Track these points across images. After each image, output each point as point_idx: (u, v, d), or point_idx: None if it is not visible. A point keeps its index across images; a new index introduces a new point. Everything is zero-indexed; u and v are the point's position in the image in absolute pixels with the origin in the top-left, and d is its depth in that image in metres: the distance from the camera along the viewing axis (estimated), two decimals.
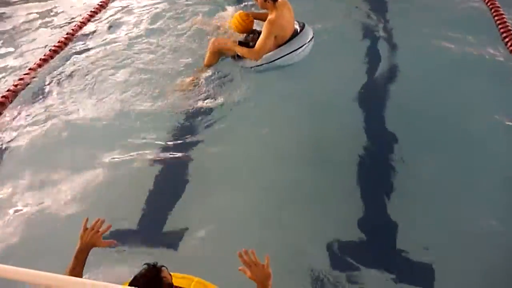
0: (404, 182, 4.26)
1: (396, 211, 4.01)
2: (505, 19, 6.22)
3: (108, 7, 7.78)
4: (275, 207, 4.09)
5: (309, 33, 5.69)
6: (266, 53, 5.49)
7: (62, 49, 6.63)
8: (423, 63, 5.73)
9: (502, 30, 6.06)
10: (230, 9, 6.98)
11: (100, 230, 2.58)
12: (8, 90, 5.74)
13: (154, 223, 4.11)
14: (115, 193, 4.37)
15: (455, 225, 3.82)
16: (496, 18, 6.35)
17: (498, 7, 6.51)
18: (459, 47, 5.90)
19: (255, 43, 5.53)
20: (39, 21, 7.66)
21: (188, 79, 5.67)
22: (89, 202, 4.26)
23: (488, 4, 6.67)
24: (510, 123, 4.76)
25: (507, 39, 5.86)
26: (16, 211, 4.26)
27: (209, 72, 5.71)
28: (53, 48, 6.59)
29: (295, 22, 5.69)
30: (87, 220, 2.59)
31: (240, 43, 5.67)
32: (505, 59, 5.65)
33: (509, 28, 6.05)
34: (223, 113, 5.17)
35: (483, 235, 3.73)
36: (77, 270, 2.51)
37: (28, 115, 5.40)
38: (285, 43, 5.52)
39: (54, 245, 3.74)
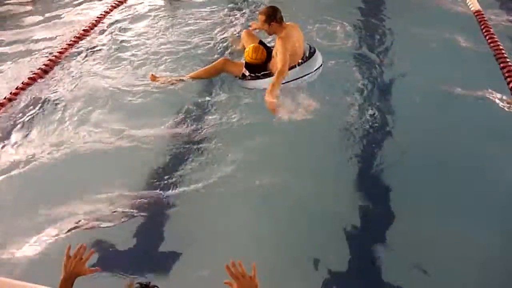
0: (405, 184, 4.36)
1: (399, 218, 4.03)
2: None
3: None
4: (271, 217, 4.09)
5: (319, 59, 5.64)
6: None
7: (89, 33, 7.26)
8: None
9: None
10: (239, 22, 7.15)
11: (84, 257, 2.53)
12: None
13: (143, 241, 4.03)
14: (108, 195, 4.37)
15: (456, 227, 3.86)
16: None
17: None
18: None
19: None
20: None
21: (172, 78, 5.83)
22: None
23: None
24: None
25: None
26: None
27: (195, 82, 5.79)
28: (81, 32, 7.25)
29: (306, 45, 5.65)
30: (69, 247, 2.55)
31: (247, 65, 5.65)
32: None
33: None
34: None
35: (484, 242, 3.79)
36: None
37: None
38: (293, 67, 5.43)
39: None
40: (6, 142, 5.20)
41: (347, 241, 3.89)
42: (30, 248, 3.96)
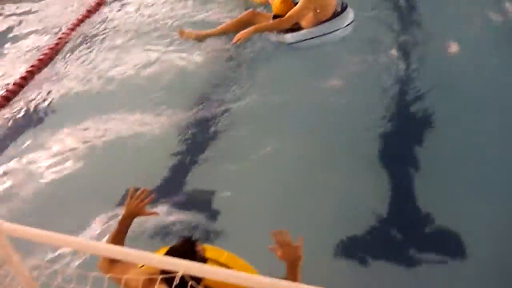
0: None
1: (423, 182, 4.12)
2: None
3: None
4: (305, 182, 4.23)
5: (350, 14, 5.54)
6: (308, 26, 5.28)
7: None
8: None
9: None
10: None
11: (145, 200, 2.70)
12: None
13: (188, 195, 4.30)
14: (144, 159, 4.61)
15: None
16: None
17: None
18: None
19: None
20: None
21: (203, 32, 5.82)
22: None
23: None
24: None
25: None
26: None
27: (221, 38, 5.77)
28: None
29: (339, 1, 5.55)
30: (133, 189, 2.71)
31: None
32: None
33: None
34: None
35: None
36: (120, 236, 2.67)
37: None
38: (326, 21, 5.36)
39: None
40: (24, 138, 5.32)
41: (365, 205, 4.01)
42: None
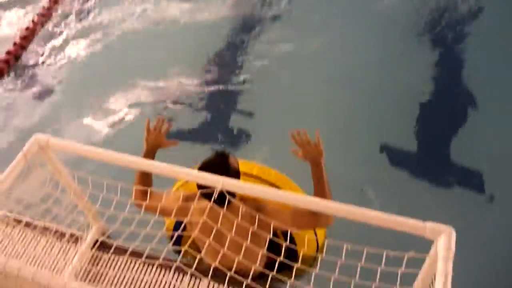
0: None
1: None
2: None
3: None
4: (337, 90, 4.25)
5: None
6: None
7: None
8: None
9: None
10: None
11: (163, 130, 2.54)
12: None
13: (219, 110, 4.33)
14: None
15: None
16: None
17: None
18: None
19: None
20: None
21: None
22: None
23: None
24: None
25: None
26: None
27: None
28: None
29: None
30: (149, 121, 2.55)
31: None
32: None
33: None
34: None
35: None
36: (145, 172, 2.53)
37: None
38: None
39: None
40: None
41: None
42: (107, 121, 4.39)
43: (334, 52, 4.64)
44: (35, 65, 5.23)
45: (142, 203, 2.27)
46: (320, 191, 2.34)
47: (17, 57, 5.39)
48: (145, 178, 2.52)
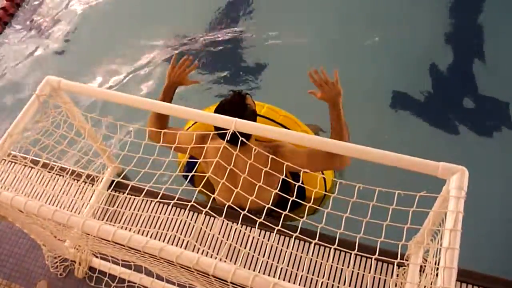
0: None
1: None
2: None
3: None
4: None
5: None
6: None
7: None
8: None
9: None
10: None
11: (188, 69, 2.54)
12: None
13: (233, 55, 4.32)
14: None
15: None
16: None
17: None
18: None
19: None
20: None
21: None
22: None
23: None
24: None
25: None
26: None
27: None
28: None
29: None
30: (175, 57, 2.53)
31: None
32: None
33: None
34: None
35: None
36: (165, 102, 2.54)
37: None
38: None
39: None
40: None
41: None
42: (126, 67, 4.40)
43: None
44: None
45: (157, 134, 2.30)
46: (337, 131, 2.32)
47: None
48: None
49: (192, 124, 2.81)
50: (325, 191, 2.66)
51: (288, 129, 2.65)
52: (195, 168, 2.73)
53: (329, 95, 2.29)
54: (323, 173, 2.67)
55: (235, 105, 2.27)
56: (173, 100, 2.59)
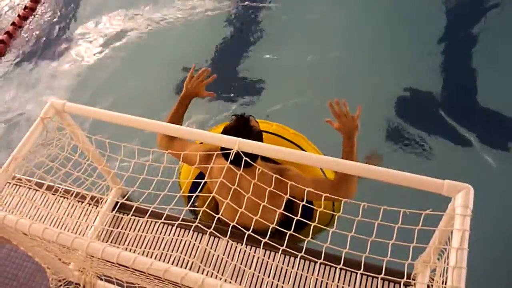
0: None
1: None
2: None
3: None
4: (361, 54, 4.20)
5: None
6: None
7: None
8: None
9: None
10: None
11: (205, 81, 2.57)
12: None
13: (234, 69, 4.35)
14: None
15: None
16: None
17: None
18: None
19: None
20: None
21: None
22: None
23: None
24: None
25: None
26: None
27: None
28: None
29: None
30: (194, 67, 2.56)
31: None
32: None
33: None
34: None
35: None
36: (180, 112, 2.60)
37: None
38: None
39: None
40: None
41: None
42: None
43: None
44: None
45: (167, 145, 2.32)
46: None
47: None
48: (176, 121, 2.55)
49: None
50: (333, 209, 2.65)
51: (298, 145, 2.65)
52: (200, 188, 2.72)
53: (346, 128, 2.29)
54: None
55: (240, 130, 2.27)
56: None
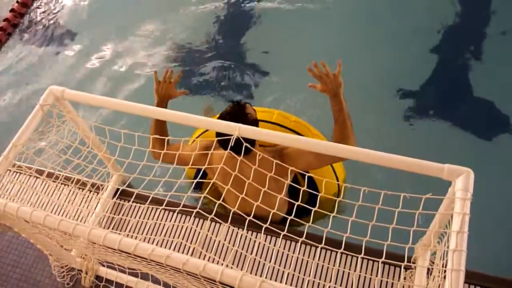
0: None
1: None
2: None
3: None
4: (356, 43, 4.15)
5: None
6: None
7: None
8: None
9: None
10: None
11: (172, 80, 2.53)
12: None
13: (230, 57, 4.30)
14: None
15: None
16: None
17: None
18: None
19: None
20: None
21: None
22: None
23: None
24: None
25: None
26: None
27: None
28: None
29: None
30: (156, 73, 2.53)
31: None
32: None
33: None
34: None
35: None
36: (160, 124, 2.56)
37: None
38: None
39: None
40: None
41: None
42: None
43: None
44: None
45: (160, 154, 2.29)
46: (340, 122, 2.30)
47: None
48: (160, 129, 2.54)
49: (202, 133, 2.81)
50: (338, 193, 2.68)
51: (299, 134, 2.65)
52: (201, 175, 2.72)
53: (330, 87, 2.27)
54: (336, 177, 2.68)
55: (236, 116, 2.26)
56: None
